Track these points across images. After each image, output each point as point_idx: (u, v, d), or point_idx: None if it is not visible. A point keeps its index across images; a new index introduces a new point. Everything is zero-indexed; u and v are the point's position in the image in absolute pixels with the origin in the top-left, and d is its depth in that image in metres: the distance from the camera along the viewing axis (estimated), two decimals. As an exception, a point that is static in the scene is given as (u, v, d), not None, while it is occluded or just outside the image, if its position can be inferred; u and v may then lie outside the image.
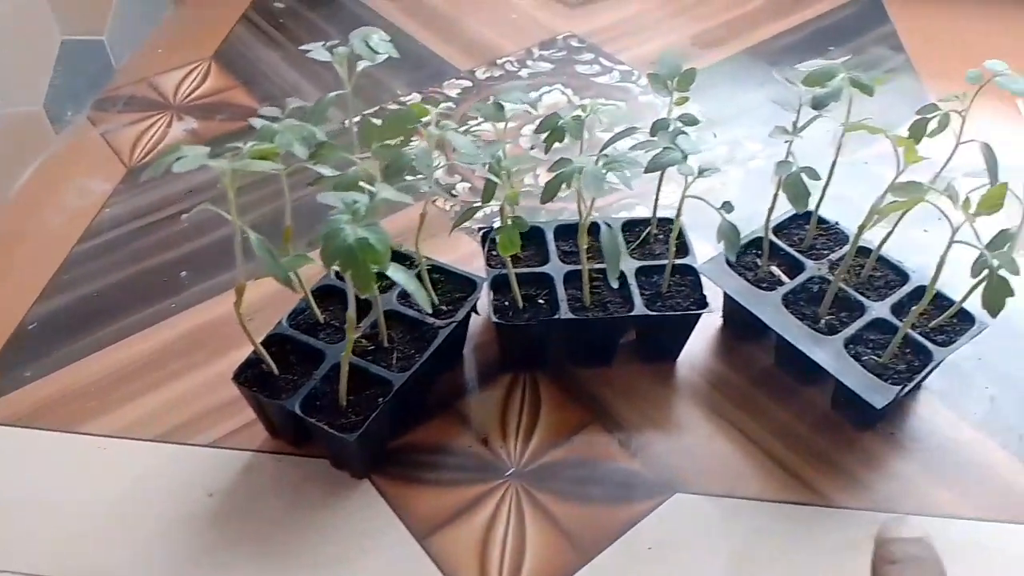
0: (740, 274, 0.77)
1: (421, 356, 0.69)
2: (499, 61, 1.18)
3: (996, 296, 0.57)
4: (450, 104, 1.11)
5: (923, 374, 0.69)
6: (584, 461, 0.72)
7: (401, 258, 0.76)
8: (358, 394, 0.67)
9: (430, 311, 0.58)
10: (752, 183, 0.98)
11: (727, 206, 0.66)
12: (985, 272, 0.58)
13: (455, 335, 0.75)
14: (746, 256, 0.80)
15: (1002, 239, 0.62)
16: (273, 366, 0.67)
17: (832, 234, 0.82)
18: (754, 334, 0.79)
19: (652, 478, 0.71)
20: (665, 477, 0.71)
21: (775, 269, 0.78)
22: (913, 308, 0.66)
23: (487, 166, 0.63)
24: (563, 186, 0.61)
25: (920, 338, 0.71)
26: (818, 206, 0.78)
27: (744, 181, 1.00)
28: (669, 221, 0.82)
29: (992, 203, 0.58)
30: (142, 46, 1.22)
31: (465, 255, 0.88)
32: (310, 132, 0.56)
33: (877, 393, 0.67)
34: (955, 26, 1.25)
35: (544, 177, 0.87)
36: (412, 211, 0.74)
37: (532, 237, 0.81)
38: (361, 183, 0.54)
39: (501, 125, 0.67)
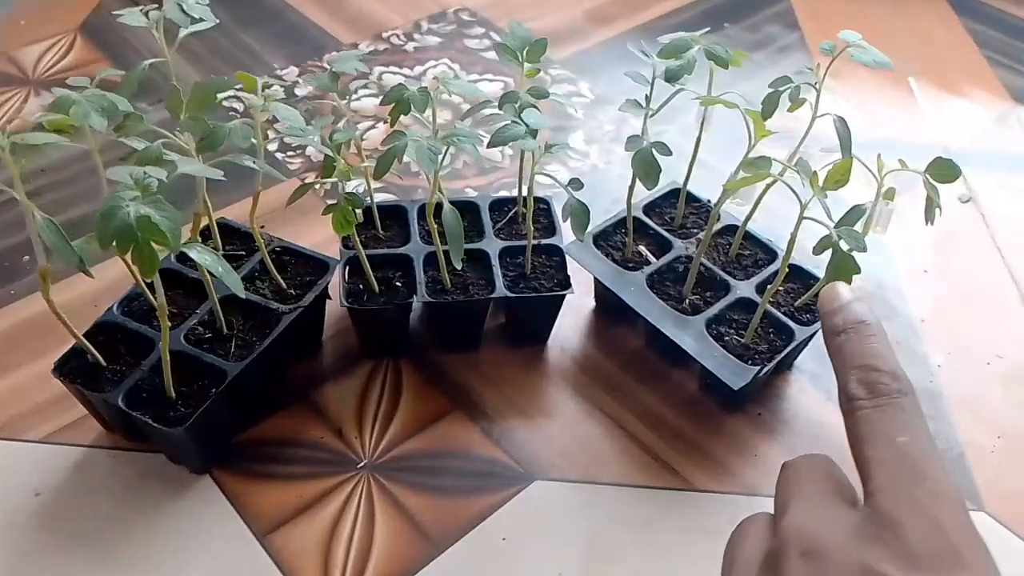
0: (607, 254, 0.75)
1: (262, 344, 0.65)
2: (385, 35, 1.14)
3: (840, 274, 0.56)
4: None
5: (783, 354, 0.67)
6: (443, 451, 0.69)
7: (246, 238, 0.72)
8: (190, 385, 0.62)
9: (242, 295, 0.54)
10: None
11: (575, 183, 0.63)
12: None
13: (307, 321, 0.71)
14: (615, 235, 0.77)
15: (853, 215, 0.61)
16: (98, 356, 0.63)
17: (705, 212, 0.80)
18: (625, 316, 0.77)
19: (512, 466, 0.68)
20: (526, 465, 0.68)
21: (643, 249, 0.76)
22: (769, 286, 0.65)
23: (320, 140, 0.59)
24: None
25: (783, 317, 0.69)
26: (685, 183, 0.77)
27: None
28: (541, 201, 0.79)
29: (838, 177, 0.56)
30: (2, 19, 1.14)
31: (333, 237, 0.84)
32: (111, 103, 0.52)
33: (735, 374, 0.65)
34: (852, 7, 1.25)
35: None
36: (283, 192, 0.69)
37: (397, 215, 0.78)
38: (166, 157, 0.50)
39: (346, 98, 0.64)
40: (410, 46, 1.12)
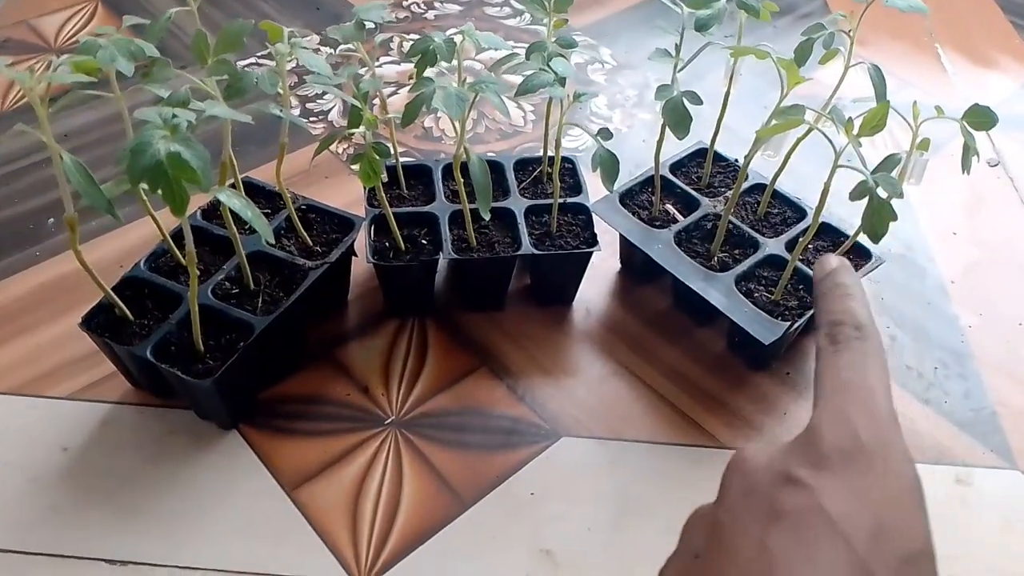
0: (634, 213, 0.74)
1: (288, 299, 0.64)
2: (405, 3, 1.13)
3: (877, 219, 0.55)
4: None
5: (813, 310, 0.66)
6: (468, 408, 0.69)
7: (272, 196, 0.71)
8: (217, 339, 0.62)
9: (272, 241, 0.53)
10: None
11: (604, 132, 0.62)
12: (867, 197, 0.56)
13: (333, 279, 0.70)
14: (642, 195, 0.77)
15: (889, 163, 0.60)
16: (126, 310, 0.63)
17: (732, 172, 0.79)
18: (651, 275, 0.77)
19: (538, 423, 0.68)
20: (551, 422, 0.68)
21: (670, 207, 0.75)
22: (799, 240, 0.64)
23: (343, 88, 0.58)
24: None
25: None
26: (713, 141, 0.76)
27: (654, 124, 0.97)
28: (566, 160, 0.79)
29: (874, 124, 0.55)
30: (23, -13, 1.14)
31: (357, 200, 0.84)
32: (138, 47, 0.51)
33: (766, 329, 0.65)
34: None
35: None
36: (307, 155, 0.69)
37: (421, 175, 0.77)
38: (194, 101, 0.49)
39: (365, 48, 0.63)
40: (430, 14, 1.11)
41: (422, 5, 1.13)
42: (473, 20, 1.11)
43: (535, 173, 0.77)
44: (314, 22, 1.09)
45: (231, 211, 0.59)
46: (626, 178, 0.77)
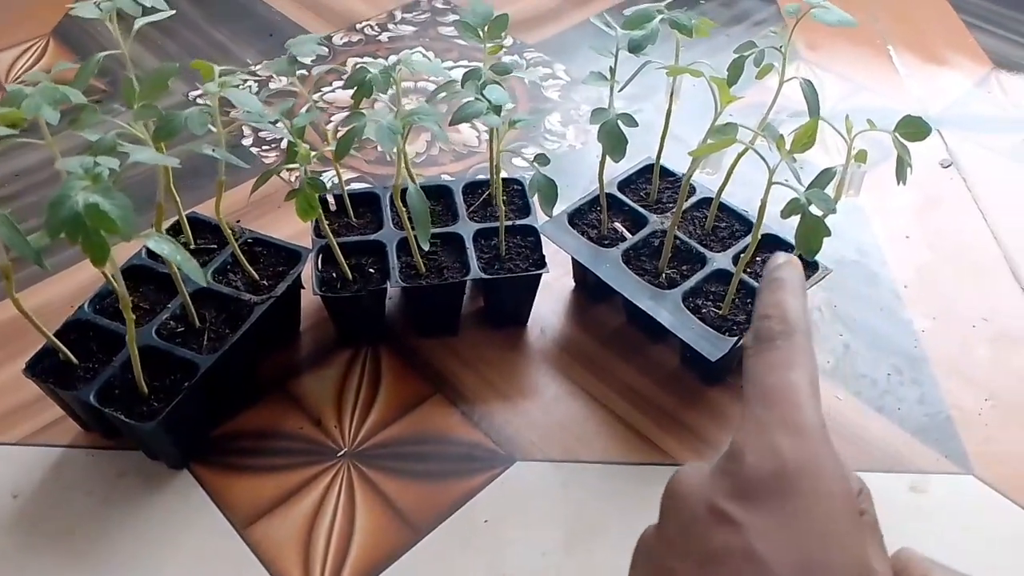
0: (583, 232, 0.74)
1: (234, 336, 0.64)
2: (359, 25, 1.13)
3: (811, 236, 0.55)
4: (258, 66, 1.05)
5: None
6: (423, 436, 0.69)
7: (219, 232, 0.71)
8: (163, 380, 0.62)
9: (204, 285, 0.53)
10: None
11: (541, 158, 0.62)
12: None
13: (282, 312, 0.70)
14: (591, 213, 0.77)
15: (823, 178, 0.60)
16: (69, 354, 0.62)
17: (679, 187, 0.79)
18: (605, 293, 0.76)
19: (493, 448, 0.68)
20: (506, 446, 0.68)
21: (618, 225, 0.75)
22: (741, 255, 0.64)
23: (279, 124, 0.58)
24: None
25: (760, 287, 0.69)
26: (658, 157, 0.76)
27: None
28: (515, 182, 0.79)
29: (805, 140, 0.56)
30: (-26, 25, 1.13)
31: (308, 228, 0.84)
32: (63, 95, 0.51)
33: (713, 346, 0.65)
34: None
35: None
36: (247, 187, 0.68)
37: (371, 202, 0.77)
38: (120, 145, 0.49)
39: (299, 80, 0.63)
40: (384, 36, 1.11)
41: (375, 27, 1.13)
42: (427, 40, 1.11)
43: (483, 196, 0.77)
44: (267, 49, 1.09)
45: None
46: (580, 195, 0.78)
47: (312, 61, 1.07)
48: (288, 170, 0.61)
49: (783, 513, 0.27)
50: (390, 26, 1.13)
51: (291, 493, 0.64)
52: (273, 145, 0.95)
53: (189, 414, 0.62)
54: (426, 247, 0.63)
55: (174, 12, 0.64)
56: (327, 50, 1.09)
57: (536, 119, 0.98)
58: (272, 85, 1.03)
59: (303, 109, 0.62)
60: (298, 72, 1.03)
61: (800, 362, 0.31)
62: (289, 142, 0.60)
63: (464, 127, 0.97)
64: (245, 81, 1.03)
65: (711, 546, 0.28)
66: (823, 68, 1.08)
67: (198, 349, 0.64)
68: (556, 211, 0.75)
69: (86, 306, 0.66)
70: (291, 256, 0.71)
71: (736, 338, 0.65)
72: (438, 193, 0.78)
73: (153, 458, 0.66)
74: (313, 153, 0.59)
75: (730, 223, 0.75)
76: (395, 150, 0.58)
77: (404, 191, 0.63)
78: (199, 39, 1.11)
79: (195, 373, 0.61)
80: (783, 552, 0.27)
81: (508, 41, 1.11)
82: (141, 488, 0.65)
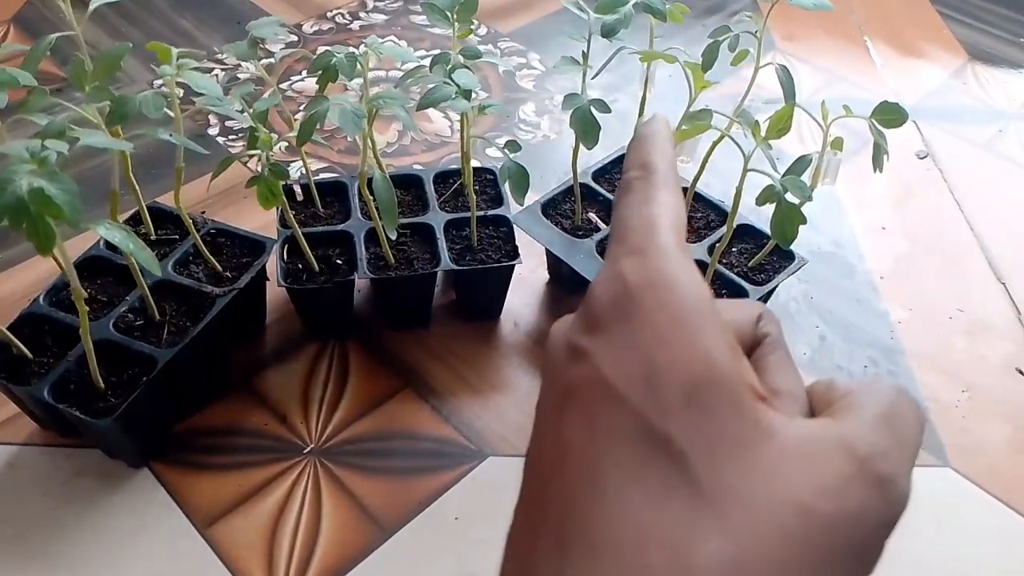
0: (557, 223, 0.73)
1: (195, 329, 0.62)
2: (330, 14, 1.11)
3: (787, 224, 0.54)
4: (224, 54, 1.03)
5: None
6: (391, 431, 0.67)
7: (181, 223, 0.69)
8: (120, 375, 0.60)
9: (159, 275, 0.51)
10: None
11: (512, 145, 0.61)
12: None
13: (247, 304, 0.68)
14: (565, 203, 0.75)
15: (799, 166, 0.59)
16: (23, 349, 0.60)
17: (656, 176, 0.78)
18: (580, 285, 0.75)
19: (463, 443, 0.66)
20: (477, 441, 0.66)
21: (593, 215, 0.74)
22: (716, 245, 0.63)
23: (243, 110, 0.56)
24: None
25: (736, 278, 0.67)
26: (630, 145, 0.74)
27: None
28: (487, 171, 0.77)
29: (780, 125, 0.54)
30: (-68, 11, 1.10)
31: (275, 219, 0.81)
32: (11, 77, 0.49)
33: (688, 337, 0.63)
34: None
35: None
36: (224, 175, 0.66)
37: (338, 192, 0.75)
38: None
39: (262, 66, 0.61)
40: (355, 24, 1.09)
41: (347, 16, 1.10)
42: (399, 29, 1.09)
43: (455, 186, 0.76)
44: (234, 37, 1.06)
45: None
46: (555, 186, 0.76)
47: (281, 50, 1.04)
48: (250, 156, 0.58)
49: (627, 330, 0.25)
50: (362, 14, 1.11)
51: (255, 492, 0.62)
52: (240, 135, 0.93)
53: (148, 410, 0.60)
54: (393, 236, 0.61)
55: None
56: (297, 38, 1.06)
57: (507, 107, 0.96)
58: (240, 75, 1.00)
59: (266, 94, 0.59)
60: (265, 60, 1.01)
61: (656, 197, 0.29)
62: (250, 127, 0.57)
63: (436, 116, 0.95)
64: (212, 69, 1.00)
65: (566, 382, 0.26)
66: (799, 59, 1.07)
67: (157, 343, 0.61)
68: (530, 201, 0.74)
69: (41, 299, 0.63)
70: (255, 247, 0.69)
71: (711, 330, 0.64)
72: (408, 182, 0.76)
73: (112, 456, 0.63)
74: (279, 141, 0.57)
75: (706, 213, 0.74)
76: (360, 136, 0.56)
77: (371, 180, 0.61)
78: (163, 26, 1.08)
79: (153, 367, 0.59)
80: (626, 366, 0.25)
81: (482, 30, 1.09)
82: (99, 488, 0.62)
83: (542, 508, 0.25)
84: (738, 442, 0.24)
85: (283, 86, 0.98)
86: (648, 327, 0.25)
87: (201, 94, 0.54)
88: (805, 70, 1.05)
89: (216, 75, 0.99)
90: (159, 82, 0.98)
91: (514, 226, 0.72)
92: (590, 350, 0.26)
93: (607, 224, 0.72)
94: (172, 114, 0.56)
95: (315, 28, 1.08)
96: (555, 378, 0.27)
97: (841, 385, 0.28)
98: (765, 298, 0.70)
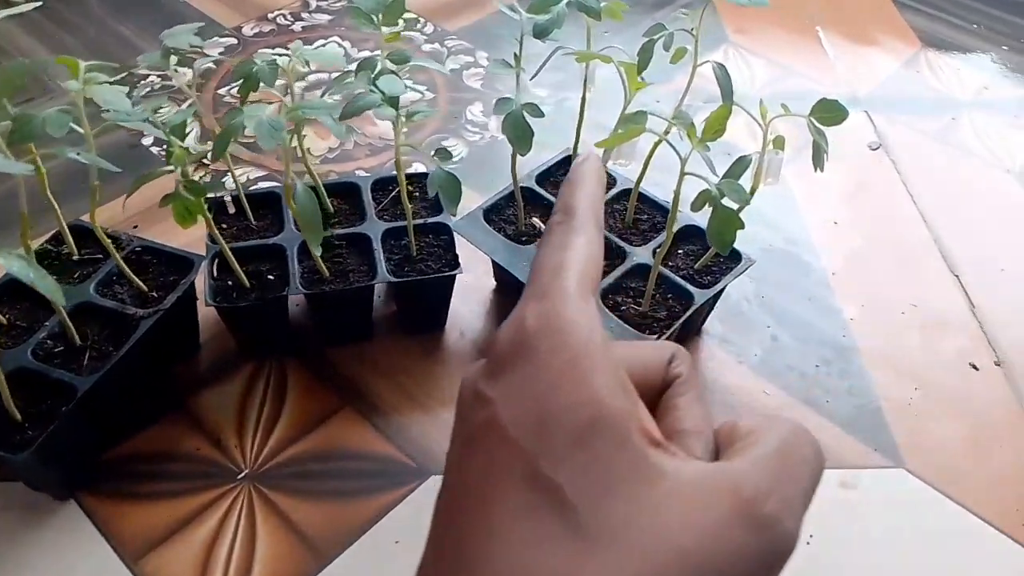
0: (500, 229, 0.71)
1: (118, 353, 0.59)
2: (271, 15, 1.07)
3: (724, 229, 0.52)
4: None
5: (682, 320, 0.64)
6: (331, 452, 0.64)
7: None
8: (39, 405, 0.57)
9: (63, 303, 0.48)
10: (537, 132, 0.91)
11: (442, 153, 0.58)
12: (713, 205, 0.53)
13: (176, 324, 0.65)
14: (508, 209, 0.73)
15: (739, 167, 0.57)
16: (-68, 381, 0.57)
17: (602, 177, 0.76)
18: (526, 292, 0.73)
19: (406, 462, 0.64)
20: (421, 459, 0.64)
21: (537, 220, 0.72)
22: (657, 249, 0.61)
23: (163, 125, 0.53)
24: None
25: (681, 281, 0.66)
26: (575, 148, 0.72)
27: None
28: (424, 176, 0.74)
29: (716, 127, 0.53)
30: None
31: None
32: None
33: (632, 346, 0.61)
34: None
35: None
36: (157, 188, 0.63)
37: (272, 203, 0.72)
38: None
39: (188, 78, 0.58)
40: (298, 25, 1.06)
41: (289, 16, 1.07)
42: (343, 29, 1.06)
43: (394, 193, 0.73)
44: (171, 42, 1.03)
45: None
46: (502, 188, 0.74)
47: (221, 53, 1.01)
48: (168, 172, 0.56)
49: (522, 376, 0.26)
50: (304, 15, 1.08)
51: (187, 521, 0.60)
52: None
53: (69, 441, 0.57)
54: (316, 252, 0.58)
55: (40, 3, 0.59)
56: (236, 41, 1.03)
57: (453, 108, 0.93)
58: (175, 82, 0.97)
59: (185, 104, 0.57)
60: (204, 66, 0.98)
61: (572, 242, 0.30)
62: (171, 142, 0.55)
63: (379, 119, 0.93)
64: (147, 76, 0.97)
65: (470, 428, 0.27)
66: (752, 52, 1.05)
67: (78, 370, 0.59)
68: (475, 206, 0.72)
69: (-47, 327, 0.60)
70: (183, 264, 0.66)
71: (656, 336, 0.62)
72: (346, 191, 0.73)
73: (35, 489, 0.60)
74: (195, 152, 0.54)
75: (651, 215, 0.72)
76: (280, 148, 0.53)
77: (344, 186, 0.59)
78: (102, 34, 1.04)
79: (73, 396, 0.56)
80: (521, 413, 0.26)
81: (428, 28, 1.06)
82: (22, 522, 0.60)
83: (441, 545, 0.26)
84: (624, 483, 0.24)
85: (222, 91, 0.95)
86: (542, 372, 0.26)
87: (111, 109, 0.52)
88: (758, 63, 1.04)
89: (152, 84, 0.96)
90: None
91: (455, 234, 0.70)
92: (491, 396, 0.27)
93: (551, 229, 0.70)
94: (81, 130, 0.54)
95: (256, 30, 1.05)
96: (462, 423, 0.28)
97: (743, 426, 0.27)
98: (714, 299, 0.68)
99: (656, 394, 0.30)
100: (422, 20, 1.08)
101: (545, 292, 0.28)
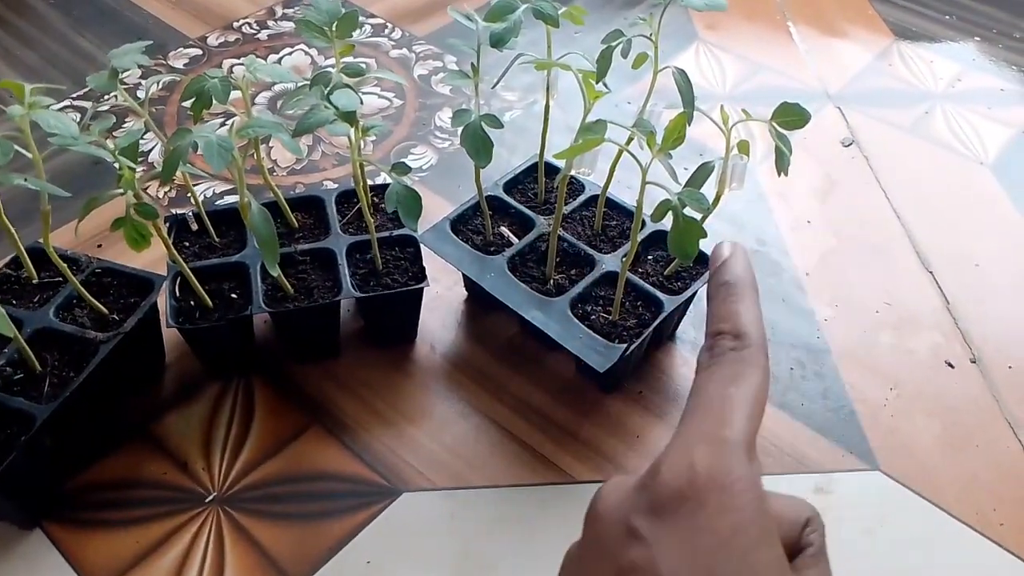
0: (467, 239, 0.70)
1: (78, 379, 0.58)
2: (236, 24, 1.06)
3: (685, 239, 0.51)
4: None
5: (651, 327, 0.63)
6: (299, 473, 0.63)
7: (67, 260, 0.65)
8: (-3, 435, 0.56)
9: (12, 335, 0.47)
10: (507, 138, 0.90)
11: (400, 167, 0.57)
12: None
13: (139, 347, 0.64)
14: (476, 218, 0.72)
15: (701, 175, 0.56)
16: None
17: (571, 185, 0.75)
18: (497, 303, 0.72)
19: (376, 481, 0.63)
20: (391, 477, 0.63)
21: (504, 230, 0.71)
22: (623, 257, 0.60)
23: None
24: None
25: (651, 288, 0.65)
26: (541, 155, 0.71)
27: (498, 136, 0.92)
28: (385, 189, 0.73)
29: (675, 136, 0.52)
30: None
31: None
32: None
33: (601, 356, 0.61)
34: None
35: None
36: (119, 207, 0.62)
37: (235, 220, 0.71)
38: None
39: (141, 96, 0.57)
40: (263, 34, 1.05)
41: (255, 25, 1.06)
42: (310, 37, 1.04)
43: (359, 206, 0.72)
44: (135, 54, 1.01)
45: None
46: (472, 195, 0.73)
47: (185, 65, 1.00)
48: (96, 197, 0.54)
49: (688, 528, 0.27)
50: (270, 23, 1.06)
51: (155, 546, 0.59)
52: (141, 160, 0.88)
53: (31, 470, 0.56)
54: (274, 272, 0.57)
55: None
56: (201, 51, 1.02)
57: (421, 114, 0.92)
58: (140, 93, 0.95)
59: (134, 125, 0.56)
60: (167, 77, 0.96)
61: (745, 376, 0.30)
62: (120, 166, 0.54)
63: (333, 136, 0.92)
64: (108, 95, 0.95)
65: (621, 563, 0.27)
66: (723, 49, 1.04)
67: (38, 397, 0.58)
68: (444, 215, 0.71)
69: (-93, 357, 0.59)
70: (144, 285, 0.65)
71: (625, 345, 0.61)
72: (310, 204, 0.72)
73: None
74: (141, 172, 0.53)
75: (620, 221, 0.71)
76: (230, 169, 0.52)
77: (305, 201, 0.58)
78: (63, 48, 1.03)
79: (31, 425, 0.55)
80: (680, 567, 0.26)
81: (396, 33, 1.05)
82: (-15, 554, 0.59)
83: None
84: None
85: (187, 104, 0.93)
86: (708, 531, 0.26)
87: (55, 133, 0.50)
88: (728, 60, 1.03)
89: (115, 97, 0.94)
90: (56, 107, 0.93)
91: (421, 246, 0.69)
92: (650, 538, 0.27)
93: (520, 237, 0.70)
94: (29, 155, 0.52)
95: (220, 40, 1.03)
96: (607, 551, 0.28)
97: None
98: (685, 305, 0.68)
99: (788, 556, 0.30)
100: (389, 25, 1.06)
101: (718, 438, 0.28)
